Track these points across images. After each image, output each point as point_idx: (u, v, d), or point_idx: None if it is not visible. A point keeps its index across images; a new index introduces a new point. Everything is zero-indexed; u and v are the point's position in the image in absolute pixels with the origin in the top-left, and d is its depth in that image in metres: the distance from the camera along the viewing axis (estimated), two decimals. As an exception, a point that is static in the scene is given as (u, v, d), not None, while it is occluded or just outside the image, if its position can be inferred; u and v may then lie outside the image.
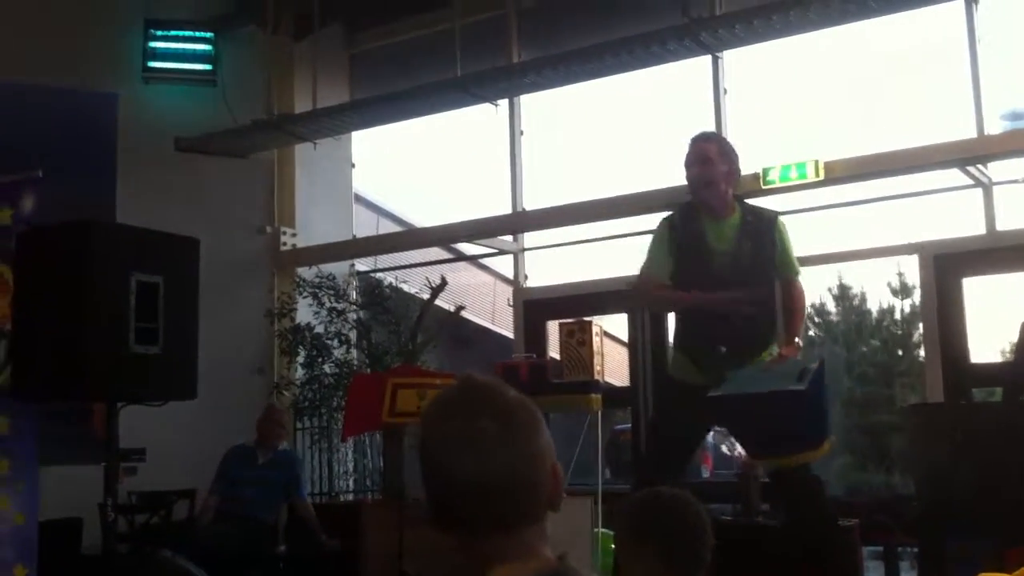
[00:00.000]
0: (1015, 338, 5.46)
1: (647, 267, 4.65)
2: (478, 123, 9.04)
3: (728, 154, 4.59)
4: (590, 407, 6.27)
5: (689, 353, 4.61)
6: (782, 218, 4.69)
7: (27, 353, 4.66)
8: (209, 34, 8.57)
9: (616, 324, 8.60)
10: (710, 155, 4.53)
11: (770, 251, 4.53)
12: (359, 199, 10.32)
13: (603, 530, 5.94)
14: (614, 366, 8.59)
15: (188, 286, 4.86)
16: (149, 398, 4.84)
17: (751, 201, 4.98)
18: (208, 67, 8.56)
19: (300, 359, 8.59)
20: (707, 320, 4.47)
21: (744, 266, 4.48)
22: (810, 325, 16.14)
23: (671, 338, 5.34)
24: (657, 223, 4.75)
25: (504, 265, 10.00)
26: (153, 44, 8.49)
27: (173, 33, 8.53)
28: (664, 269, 4.58)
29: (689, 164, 4.56)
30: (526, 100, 8.76)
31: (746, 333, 4.41)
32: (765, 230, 4.54)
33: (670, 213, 4.75)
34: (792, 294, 4.61)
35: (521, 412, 1.61)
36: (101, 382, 4.52)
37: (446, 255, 10.06)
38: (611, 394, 7.15)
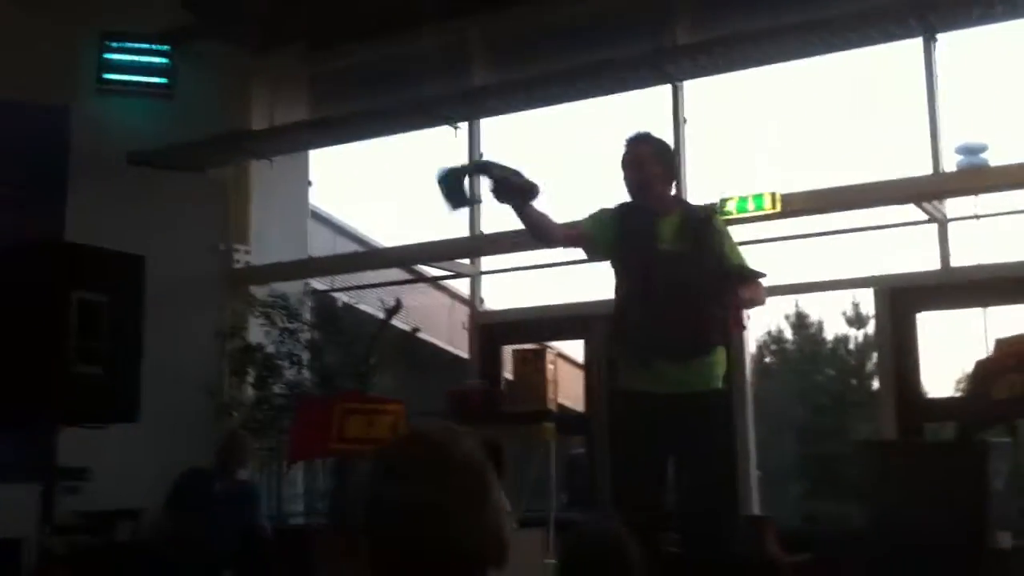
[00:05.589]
0: (969, 374, 5.49)
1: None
2: (438, 144, 8.97)
3: (662, 154, 4.50)
4: (543, 437, 6.20)
5: (637, 355, 4.38)
6: (717, 217, 4.51)
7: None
8: (166, 47, 8.45)
9: (573, 347, 8.56)
10: (643, 158, 4.43)
11: (708, 252, 4.33)
12: (316, 217, 10.20)
13: (555, 561, 5.85)
14: (570, 388, 8.54)
15: (133, 305, 4.77)
16: (89, 420, 4.73)
17: None
18: (164, 81, 8.42)
19: (250, 379, 8.46)
20: (647, 316, 4.29)
21: (684, 268, 4.29)
22: (766, 352, 16.20)
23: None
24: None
25: (461, 286, 9.93)
26: (109, 56, 8.35)
27: (129, 45, 8.39)
28: (597, 226, 4.45)
29: (624, 166, 4.47)
30: (486, 123, 8.72)
31: (685, 327, 4.23)
32: (703, 231, 4.40)
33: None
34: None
35: (469, 477, 1.54)
36: (39, 402, 4.40)
37: (403, 276, 9.96)
38: (566, 420, 7.10)
